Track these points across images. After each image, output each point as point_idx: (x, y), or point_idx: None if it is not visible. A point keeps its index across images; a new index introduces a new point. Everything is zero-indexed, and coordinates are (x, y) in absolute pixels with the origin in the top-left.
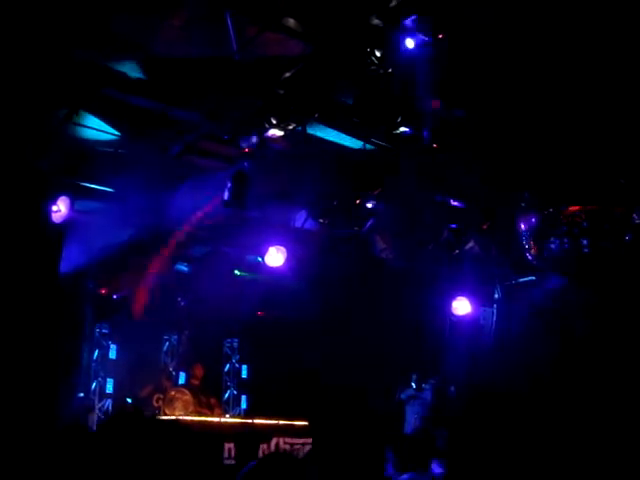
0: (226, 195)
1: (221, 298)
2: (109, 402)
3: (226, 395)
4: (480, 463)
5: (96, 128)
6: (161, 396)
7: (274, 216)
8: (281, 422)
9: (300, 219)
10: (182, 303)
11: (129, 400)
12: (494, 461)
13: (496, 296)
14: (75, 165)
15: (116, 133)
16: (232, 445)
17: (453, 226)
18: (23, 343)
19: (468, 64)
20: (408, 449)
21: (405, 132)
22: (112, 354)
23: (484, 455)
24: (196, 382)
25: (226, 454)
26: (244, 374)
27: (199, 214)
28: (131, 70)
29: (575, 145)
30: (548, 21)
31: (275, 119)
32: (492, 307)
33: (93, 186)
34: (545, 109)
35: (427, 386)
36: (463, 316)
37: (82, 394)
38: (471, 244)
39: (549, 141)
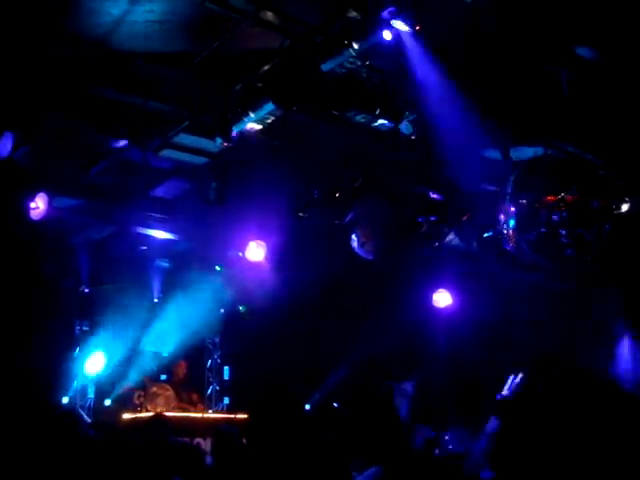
0: (206, 191)
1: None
2: (91, 400)
3: (209, 391)
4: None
5: None
6: (142, 393)
7: (254, 210)
8: None
9: None
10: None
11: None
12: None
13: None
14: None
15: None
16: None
17: (433, 218)
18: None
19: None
20: None
21: (384, 125)
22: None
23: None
24: (177, 379)
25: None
26: (226, 375)
27: None
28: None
29: (556, 135)
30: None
31: (254, 113)
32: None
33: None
34: (526, 100)
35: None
36: (444, 308)
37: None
38: (451, 236)
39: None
